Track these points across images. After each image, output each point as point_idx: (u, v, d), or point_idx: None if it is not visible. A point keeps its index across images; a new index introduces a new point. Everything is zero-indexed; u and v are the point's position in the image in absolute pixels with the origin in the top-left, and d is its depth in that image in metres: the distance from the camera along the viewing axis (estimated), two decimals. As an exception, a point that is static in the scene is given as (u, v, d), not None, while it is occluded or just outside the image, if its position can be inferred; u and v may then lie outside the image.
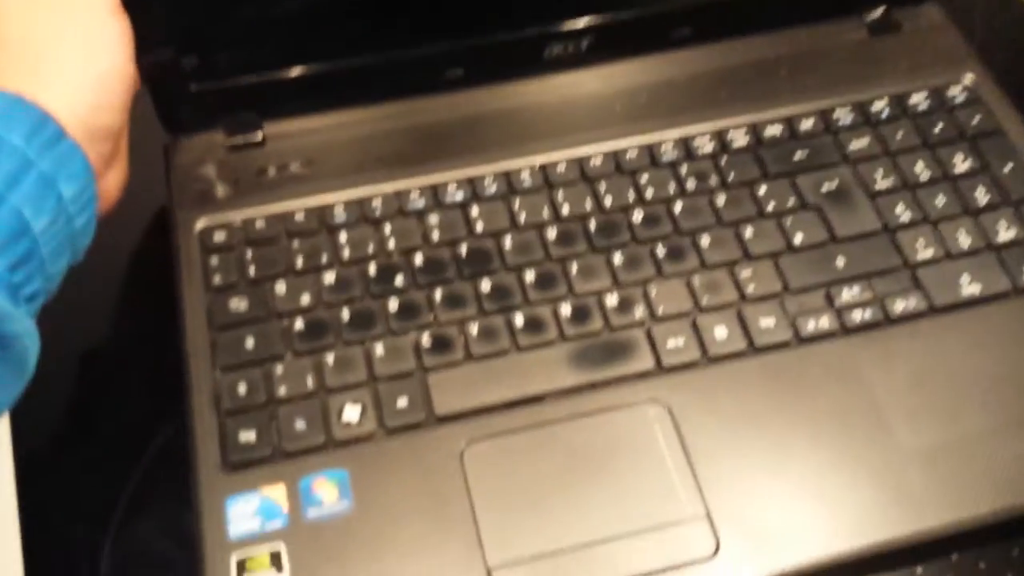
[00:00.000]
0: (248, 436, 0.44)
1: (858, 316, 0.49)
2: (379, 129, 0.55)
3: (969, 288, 0.49)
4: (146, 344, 0.51)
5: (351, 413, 0.46)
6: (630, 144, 0.54)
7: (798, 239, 0.51)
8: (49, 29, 0.43)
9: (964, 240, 0.51)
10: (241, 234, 0.51)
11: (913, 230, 0.51)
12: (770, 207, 0.52)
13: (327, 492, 0.43)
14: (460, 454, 0.45)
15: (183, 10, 0.50)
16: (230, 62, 0.52)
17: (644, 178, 0.53)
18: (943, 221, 0.51)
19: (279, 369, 0.46)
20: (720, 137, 0.55)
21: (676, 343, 0.48)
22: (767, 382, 0.47)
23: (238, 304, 0.49)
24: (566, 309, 0.49)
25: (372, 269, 0.50)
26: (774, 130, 0.55)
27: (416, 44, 0.54)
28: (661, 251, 0.51)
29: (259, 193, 0.52)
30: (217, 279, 0.49)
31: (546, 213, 0.52)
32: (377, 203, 0.52)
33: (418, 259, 0.50)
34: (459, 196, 0.53)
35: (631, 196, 0.53)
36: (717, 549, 0.42)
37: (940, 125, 0.55)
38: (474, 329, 0.48)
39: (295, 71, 0.53)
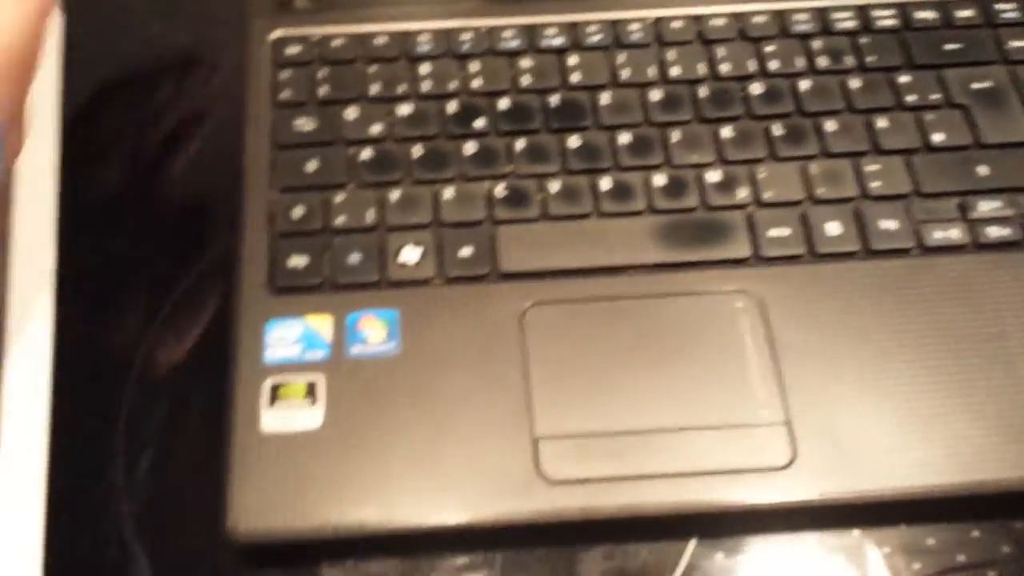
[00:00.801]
0: (299, 261, 0.41)
1: (994, 232, 0.42)
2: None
3: None
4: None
5: (410, 254, 0.42)
6: (760, 8, 0.48)
7: (937, 138, 0.44)
8: None
9: None
10: (317, 50, 0.47)
11: (1073, 146, 0.45)
12: (910, 99, 0.45)
13: (374, 331, 0.40)
14: (521, 315, 0.41)
15: None
16: None
17: (770, 48, 0.47)
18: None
19: (339, 198, 0.43)
20: (864, 14, 0.48)
21: (779, 233, 0.43)
22: (876, 289, 0.41)
23: (304, 124, 0.45)
24: (660, 179, 0.44)
25: (452, 107, 0.45)
26: (926, 14, 0.48)
27: None
28: (778, 131, 0.45)
29: (342, 9, 0.48)
30: (286, 94, 0.45)
31: (652, 72, 0.46)
32: (467, 37, 0.47)
33: (503, 103, 0.46)
34: (558, 41, 0.47)
35: (752, 66, 0.46)
36: (792, 461, 0.38)
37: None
38: (555, 186, 0.43)
39: None
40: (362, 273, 0.41)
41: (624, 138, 0.45)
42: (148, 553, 0.37)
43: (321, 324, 0.40)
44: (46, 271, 0.44)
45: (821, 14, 0.48)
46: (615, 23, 0.47)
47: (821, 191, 0.43)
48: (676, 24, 0.47)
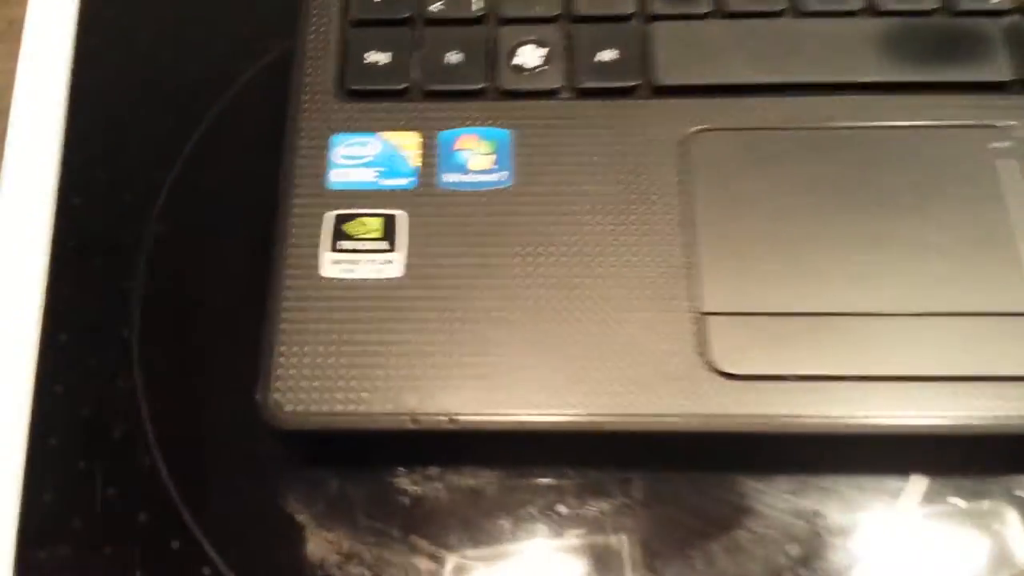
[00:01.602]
0: (379, 57, 0.30)
1: None
2: None
3: None
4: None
5: (530, 56, 0.31)
6: None
7: None
8: None
9: None
10: None
11: None
12: None
13: (477, 155, 0.29)
14: (682, 144, 0.29)
15: None
16: None
17: None
18: None
19: (436, -22, 0.32)
20: None
21: (1058, 47, 0.30)
22: None
23: None
24: (885, -32, 0.32)
25: None
26: None
27: None
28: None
29: None
30: None
31: None
32: None
33: None
34: None
35: None
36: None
37: None
38: (734, -29, 0.32)
39: None
40: (463, 78, 0.30)
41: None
42: (161, 438, 0.29)
43: (405, 142, 0.29)
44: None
45: None
46: None
47: (1125, -9, 0.31)
48: None
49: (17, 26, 0.37)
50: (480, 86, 0.30)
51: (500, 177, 0.29)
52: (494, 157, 0.29)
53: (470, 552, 0.27)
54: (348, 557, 0.27)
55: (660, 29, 0.30)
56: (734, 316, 0.27)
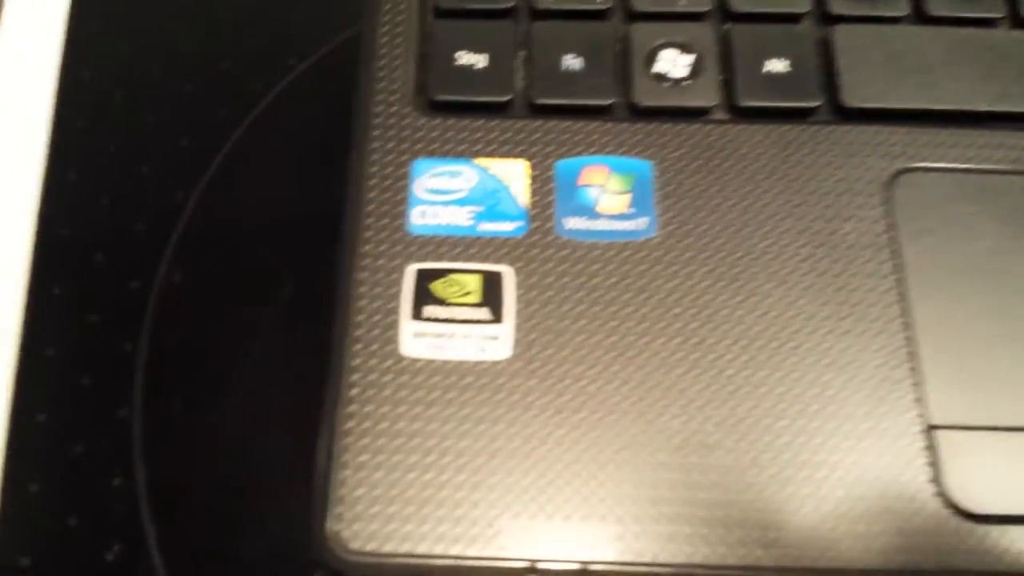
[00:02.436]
0: (473, 59, 0.23)
1: None
2: None
3: None
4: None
5: (673, 63, 0.24)
6: None
7: None
8: None
9: None
10: None
11: None
12: None
13: (608, 193, 0.22)
14: (885, 186, 0.23)
15: None
16: None
17: None
18: None
19: (547, -43, 0.25)
20: None
21: None
22: None
23: None
24: None
25: None
26: None
27: None
28: None
29: None
30: None
31: None
32: None
33: None
34: None
35: None
36: None
37: None
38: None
39: None
40: (585, 90, 0.22)
41: None
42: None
43: (509, 173, 0.22)
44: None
45: None
46: None
47: None
48: None
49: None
50: (608, 101, 0.22)
51: (639, 225, 0.22)
52: (630, 197, 0.22)
53: None
54: None
55: (844, 34, 0.23)
56: (969, 431, 0.20)
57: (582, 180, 0.22)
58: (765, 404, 0.20)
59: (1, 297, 0.24)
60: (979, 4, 0.24)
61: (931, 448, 0.19)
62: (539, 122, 0.22)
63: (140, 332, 0.24)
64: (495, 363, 0.20)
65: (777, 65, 0.23)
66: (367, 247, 0.21)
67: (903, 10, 0.23)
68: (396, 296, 0.20)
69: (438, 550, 0.18)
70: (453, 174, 0.22)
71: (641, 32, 0.23)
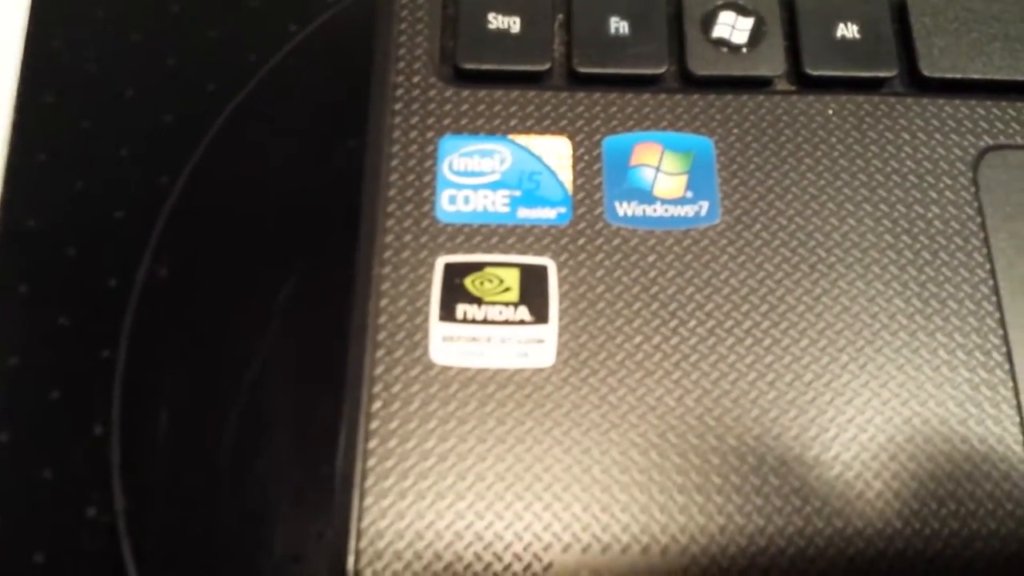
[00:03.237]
0: (506, 21, 0.20)
1: None
2: None
3: None
4: None
5: (731, 27, 0.20)
6: None
7: None
8: None
9: None
10: None
11: None
12: None
13: (664, 174, 0.19)
14: (972, 165, 0.21)
15: None
16: None
17: None
18: None
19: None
20: None
21: None
22: None
23: None
24: None
25: None
26: None
27: None
28: None
29: None
30: None
31: None
32: None
33: None
34: None
35: None
36: None
37: None
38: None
39: None
40: (634, 57, 0.19)
41: None
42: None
43: (550, 152, 0.20)
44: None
45: None
46: None
47: None
48: None
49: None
50: (659, 70, 0.20)
51: (699, 210, 0.19)
52: (686, 178, 0.19)
53: None
54: None
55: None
56: None
57: (634, 160, 0.19)
58: (848, 413, 0.18)
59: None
60: (1066, -35, 0.22)
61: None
62: (581, 94, 0.20)
63: (119, 337, 0.21)
64: (538, 371, 0.17)
65: (847, 30, 0.20)
66: (389, 238, 0.18)
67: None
68: (424, 294, 0.18)
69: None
70: (485, 153, 0.19)
71: (694, -6, 0.21)
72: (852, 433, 0.17)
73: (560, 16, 0.20)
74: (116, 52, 0.23)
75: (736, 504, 0.17)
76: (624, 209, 0.19)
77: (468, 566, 0.16)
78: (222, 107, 0.22)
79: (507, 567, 0.16)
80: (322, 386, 0.19)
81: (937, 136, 0.20)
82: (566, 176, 0.19)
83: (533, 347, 0.18)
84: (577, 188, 0.19)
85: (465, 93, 0.19)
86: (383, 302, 0.18)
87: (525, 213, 0.19)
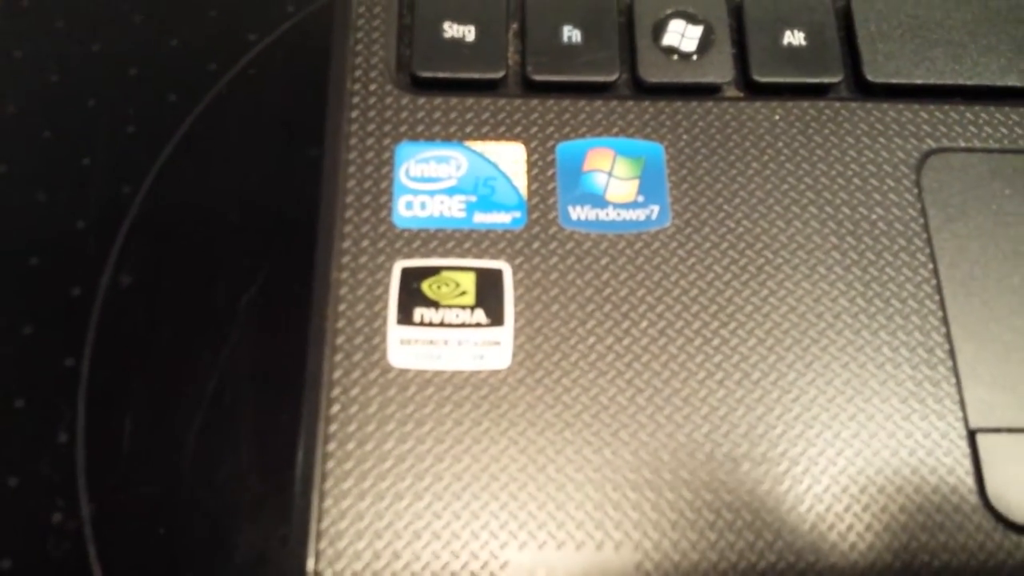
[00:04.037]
0: (461, 30, 0.20)
1: None
2: None
3: None
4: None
5: (681, 35, 0.21)
6: None
7: None
8: None
9: None
10: None
11: None
12: None
13: (616, 179, 0.20)
14: (914, 169, 0.21)
15: None
16: None
17: None
18: None
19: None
20: None
21: None
22: None
23: None
24: None
25: None
26: None
27: None
28: None
29: None
30: None
31: None
32: None
33: None
34: None
35: None
36: None
37: None
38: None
39: None
40: (586, 65, 0.20)
41: None
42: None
43: (505, 158, 0.20)
44: None
45: None
46: None
47: None
48: None
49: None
50: (611, 77, 0.20)
51: (650, 214, 0.20)
52: (637, 183, 0.20)
53: None
54: None
55: (864, 2, 0.22)
56: (1011, 433, 0.18)
57: (587, 165, 0.20)
58: (795, 410, 0.18)
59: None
60: (1004, -28, 0.22)
61: (972, 453, 0.18)
62: (535, 101, 0.20)
63: (83, 345, 0.21)
64: (494, 373, 0.18)
65: (794, 37, 0.21)
66: (347, 243, 0.18)
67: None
68: (382, 299, 0.18)
69: (437, 589, 0.16)
70: (441, 159, 0.19)
71: (646, 1, 0.21)
72: (799, 430, 0.18)
73: (514, 25, 0.21)
74: (78, 62, 0.24)
75: (687, 499, 0.17)
76: (577, 213, 0.19)
77: (426, 565, 0.17)
78: (183, 117, 0.23)
79: (464, 565, 0.17)
80: (284, 392, 0.20)
81: (881, 140, 0.20)
82: (521, 181, 0.19)
83: (489, 349, 0.18)
84: (532, 193, 0.19)
85: (421, 100, 0.20)
86: (341, 307, 0.18)
87: (481, 218, 0.19)
